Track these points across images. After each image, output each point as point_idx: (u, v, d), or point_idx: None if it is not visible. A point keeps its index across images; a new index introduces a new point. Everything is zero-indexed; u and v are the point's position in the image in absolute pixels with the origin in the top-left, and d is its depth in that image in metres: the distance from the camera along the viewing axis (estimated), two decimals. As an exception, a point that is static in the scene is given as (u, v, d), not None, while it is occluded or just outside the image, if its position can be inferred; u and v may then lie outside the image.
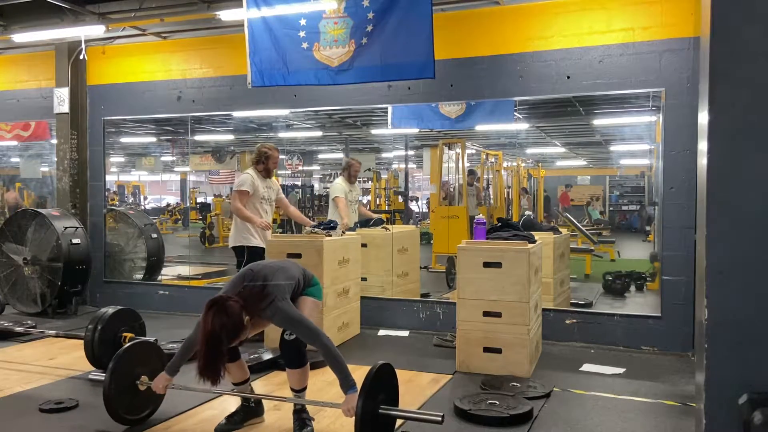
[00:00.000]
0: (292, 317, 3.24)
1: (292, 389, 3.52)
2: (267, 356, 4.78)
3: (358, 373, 4.63)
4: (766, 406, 2.34)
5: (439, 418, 3.13)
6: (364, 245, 6.19)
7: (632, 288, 7.81)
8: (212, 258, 12.39)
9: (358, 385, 3.13)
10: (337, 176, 7.20)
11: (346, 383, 3.16)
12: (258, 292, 3.22)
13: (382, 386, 3.21)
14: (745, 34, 2.49)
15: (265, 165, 5.76)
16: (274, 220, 8.43)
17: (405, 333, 5.97)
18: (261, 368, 4.67)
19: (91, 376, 3.90)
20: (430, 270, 9.47)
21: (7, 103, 8.10)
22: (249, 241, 5.65)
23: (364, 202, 13.25)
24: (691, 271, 5.14)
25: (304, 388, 3.52)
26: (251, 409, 3.65)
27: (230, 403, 3.84)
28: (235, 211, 5.62)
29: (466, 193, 10.34)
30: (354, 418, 3.00)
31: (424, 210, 16.08)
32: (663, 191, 5.48)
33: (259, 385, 4.35)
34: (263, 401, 3.79)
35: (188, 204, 18.12)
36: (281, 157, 7.63)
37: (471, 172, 11.13)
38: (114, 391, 3.45)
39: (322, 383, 4.38)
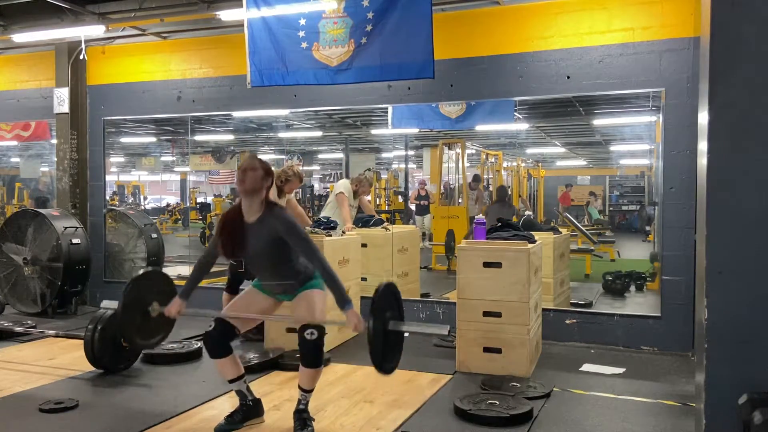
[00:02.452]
0: (296, 226, 3.40)
1: (301, 387, 3.49)
2: (267, 356, 4.78)
3: (360, 373, 4.65)
4: (766, 406, 2.34)
5: (446, 331, 3.27)
6: (364, 245, 6.19)
7: (632, 288, 7.81)
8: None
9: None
10: (341, 177, 7.15)
11: (343, 300, 3.29)
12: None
13: (388, 304, 3.32)
14: (745, 34, 2.49)
15: (280, 186, 5.54)
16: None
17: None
18: (261, 368, 4.67)
19: (103, 304, 3.95)
20: (430, 269, 9.49)
21: (7, 103, 8.10)
22: None
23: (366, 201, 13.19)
24: (691, 271, 5.14)
25: (312, 390, 3.51)
26: (250, 408, 3.62)
27: (230, 404, 3.84)
28: None
29: (467, 194, 10.35)
30: (367, 337, 3.12)
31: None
32: (663, 191, 5.48)
33: (260, 385, 4.35)
34: (262, 401, 3.79)
35: (188, 204, 18.12)
36: (282, 157, 7.61)
37: (475, 178, 11.15)
38: (127, 315, 3.54)
39: (324, 383, 4.38)
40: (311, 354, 3.42)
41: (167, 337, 3.84)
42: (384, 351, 3.21)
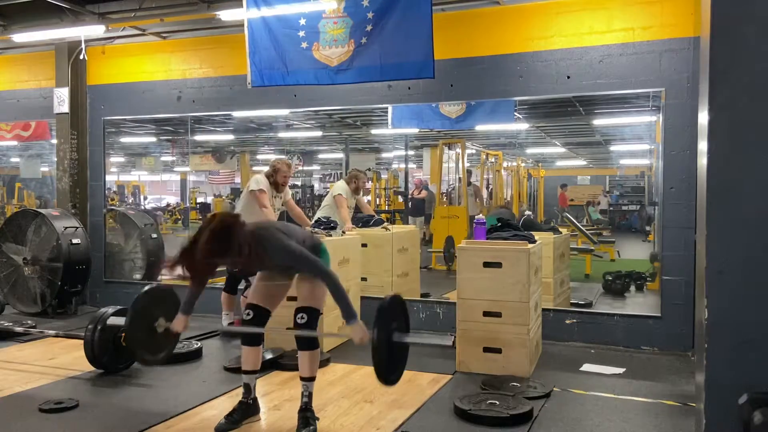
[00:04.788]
0: (292, 250, 3.32)
1: (302, 378, 3.52)
2: (267, 356, 4.78)
3: (359, 373, 4.65)
4: (766, 406, 2.34)
5: (450, 342, 3.29)
6: (364, 245, 6.19)
7: (632, 288, 7.81)
8: (212, 258, 12.36)
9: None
10: (338, 179, 7.14)
11: (349, 313, 3.25)
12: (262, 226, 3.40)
13: (394, 316, 3.29)
14: (745, 34, 2.49)
15: (274, 178, 5.74)
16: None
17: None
18: (261, 368, 4.65)
19: (109, 321, 3.95)
20: (430, 268, 9.48)
21: (7, 103, 8.10)
22: None
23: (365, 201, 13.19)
24: (691, 271, 5.14)
25: (313, 378, 3.54)
26: (249, 406, 3.66)
27: (230, 403, 3.84)
28: (265, 214, 5.51)
29: (466, 193, 10.35)
30: (371, 348, 3.08)
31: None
32: (663, 191, 5.48)
33: (260, 385, 4.34)
34: (261, 400, 3.79)
35: (188, 204, 18.11)
36: (281, 157, 7.63)
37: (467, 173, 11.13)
38: (134, 331, 3.52)
39: (323, 383, 4.38)
40: (304, 337, 3.48)
41: (172, 353, 3.80)
42: (388, 363, 3.19)
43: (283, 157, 5.89)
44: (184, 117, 7.85)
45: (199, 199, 18.63)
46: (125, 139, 14.88)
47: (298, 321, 3.48)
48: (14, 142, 10.01)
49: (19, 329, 5.65)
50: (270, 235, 3.33)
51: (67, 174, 7.43)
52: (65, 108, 7.41)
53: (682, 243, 5.29)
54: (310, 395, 3.52)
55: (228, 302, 5.85)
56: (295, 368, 3.71)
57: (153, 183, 25.76)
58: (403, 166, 15.69)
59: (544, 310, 5.45)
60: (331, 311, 5.40)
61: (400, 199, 14.51)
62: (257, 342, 3.63)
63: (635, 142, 12.50)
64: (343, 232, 5.96)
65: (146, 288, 3.77)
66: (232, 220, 3.20)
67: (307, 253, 3.36)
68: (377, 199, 14.58)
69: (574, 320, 5.65)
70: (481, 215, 5.87)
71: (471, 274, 4.70)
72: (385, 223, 6.93)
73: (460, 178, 10.74)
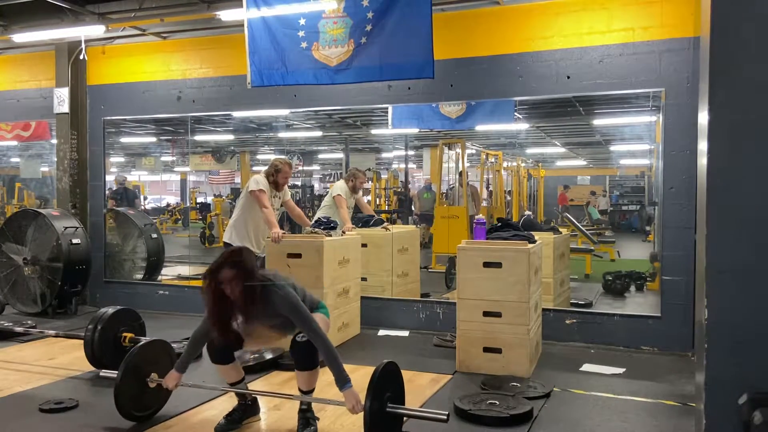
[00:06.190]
0: (297, 305, 3.30)
1: (300, 390, 3.52)
2: (268, 356, 4.78)
3: (359, 373, 4.64)
4: (766, 406, 2.34)
5: (444, 417, 3.16)
6: (364, 245, 6.19)
7: (632, 288, 7.81)
8: (212, 258, 12.36)
9: (364, 384, 3.13)
10: (338, 179, 7.11)
11: (342, 379, 3.20)
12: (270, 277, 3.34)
13: (388, 384, 3.23)
14: (745, 34, 2.49)
15: (274, 177, 5.68)
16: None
17: (405, 333, 5.97)
18: (262, 368, 4.67)
19: (102, 374, 3.94)
20: (429, 270, 9.47)
21: (7, 103, 8.10)
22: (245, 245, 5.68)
23: (364, 201, 13.18)
24: (691, 271, 5.14)
25: (312, 390, 3.52)
26: (249, 407, 3.66)
27: (231, 403, 3.84)
28: (266, 214, 5.46)
29: (466, 193, 10.36)
30: (363, 417, 3.00)
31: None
32: (663, 191, 5.48)
33: (260, 385, 4.35)
34: (261, 400, 3.79)
35: (188, 204, 18.12)
36: (281, 157, 7.62)
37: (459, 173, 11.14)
38: (125, 388, 3.49)
39: (323, 383, 4.36)
40: (303, 356, 3.43)
41: (160, 410, 3.74)
42: None
43: (283, 157, 5.82)
44: (184, 117, 7.86)
45: (199, 199, 18.64)
46: (125, 139, 14.90)
47: (297, 339, 3.39)
48: (14, 142, 10.03)
49: (19, 329, 5.65)
50: (277, 281, 3.31)
51: (67, 174, 7.43)
52: (65, 108, 7.40)
53: (682, 243, 5.29)
54: (309, 402, 3.51)
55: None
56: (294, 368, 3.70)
57: (153, 183, 25.77)
58: (403, 166, 15.70)
59: (544, 310, 5.45)
60: (330, 311, 5.39)
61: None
62: (227, 361, 3.53)
63: (635, 142, 12.52)
64: (343, 232, 5.96)
65: (141, 343, 3.74)
66: (244, 250, 3.31)
67: (308, 313, 3.32)
68: (377, 199, 14.58)
69: (574, 320, 5.65)
70: (480, 215, 5.88)
71: (471, 274, 4.70)
72: (385, 223, 6.93)
73: (455, 179, 10.75)
